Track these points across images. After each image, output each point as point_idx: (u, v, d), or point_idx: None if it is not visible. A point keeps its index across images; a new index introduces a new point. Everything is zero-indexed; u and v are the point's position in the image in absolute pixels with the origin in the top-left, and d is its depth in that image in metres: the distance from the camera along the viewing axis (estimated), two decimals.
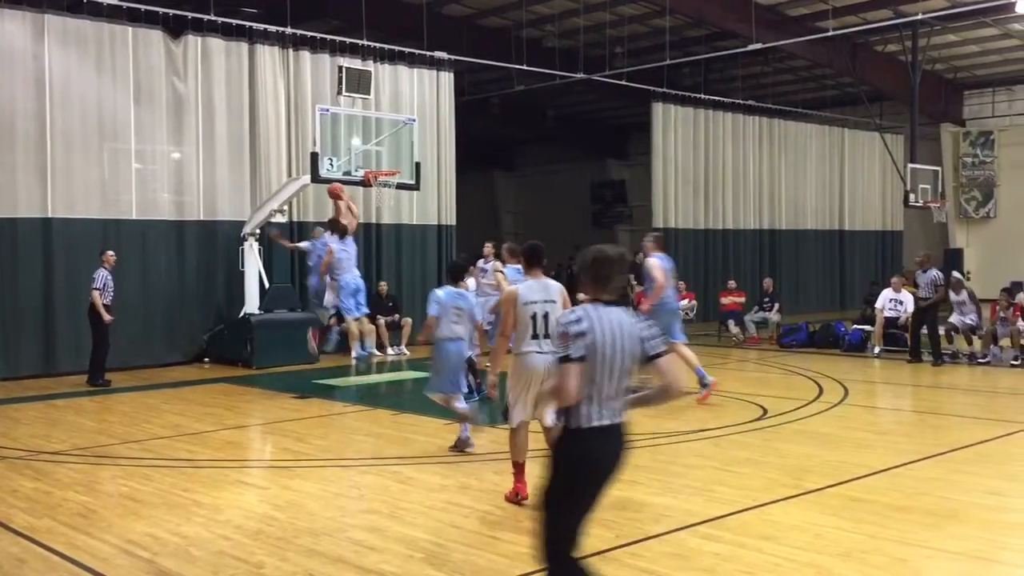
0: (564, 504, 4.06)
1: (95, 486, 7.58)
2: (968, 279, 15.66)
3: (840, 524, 6.24)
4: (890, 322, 15.96)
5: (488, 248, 14.28)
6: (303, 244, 15.05)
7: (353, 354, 13.60)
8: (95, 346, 12.93)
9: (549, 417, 6.41)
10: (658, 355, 4.16)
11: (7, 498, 7.03)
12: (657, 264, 11.31)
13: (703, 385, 11.24)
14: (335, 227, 13.48)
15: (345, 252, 13.29)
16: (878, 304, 16.34)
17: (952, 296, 15.15)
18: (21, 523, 6.37)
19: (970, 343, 15.42)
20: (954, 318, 15.25)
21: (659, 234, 12.05)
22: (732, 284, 19.49)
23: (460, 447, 8.63)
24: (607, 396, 4.04)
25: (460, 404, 8.60)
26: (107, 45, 14.38)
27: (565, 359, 3.98)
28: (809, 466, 7.93)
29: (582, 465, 4.05)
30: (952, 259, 25.09)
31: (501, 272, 12.25)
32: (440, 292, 8.52)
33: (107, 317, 12.69)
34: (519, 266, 11.63)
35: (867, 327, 16.84)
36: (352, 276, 13.27)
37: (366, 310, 13.64)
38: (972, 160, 28.11)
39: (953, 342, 15.30)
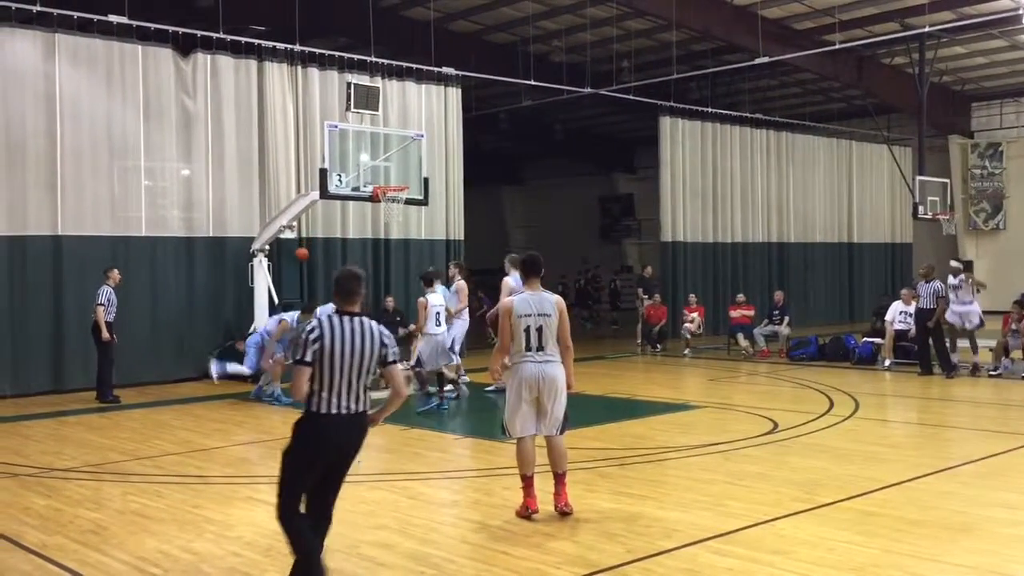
0: (293, 470, 5.01)
1: (106, 503, 7.59)
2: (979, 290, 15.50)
3: (852, 539, 6.20)
4: (900, 335, 15.89)
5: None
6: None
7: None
8: (100, 363, 12.98)
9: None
10: (392, 362, 5.12)
11: (19, 515, 7.04)
12: (508, 282, 12.10)
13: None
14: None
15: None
16: (888, 317, 16.27)
17: (949, 279, 15.05)
18: (33, 540, 6.38)
19: (975, 349, 15.24)
20: (950, 314, 14.98)
21: (515, 255, 12.42)
22: (741, 298, 19.44)
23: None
24: (340, 390, 4.94)
25: None
26: (117, 63, 14.49)
27: (298, 362, 4.93)
28: (820, 480, 7.89)
29: (311, 441, 4.97)
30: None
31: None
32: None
33: (106, 335, 12.68)
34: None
35: (877, 340, 16.78)
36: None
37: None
38: (981, 172, 28.07)
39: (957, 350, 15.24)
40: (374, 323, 5.14)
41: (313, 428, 4.98)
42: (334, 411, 4.95)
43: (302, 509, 5.06)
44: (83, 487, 8.05)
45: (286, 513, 5.00)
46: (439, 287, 12.72)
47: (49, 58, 13.86)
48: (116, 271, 13.08)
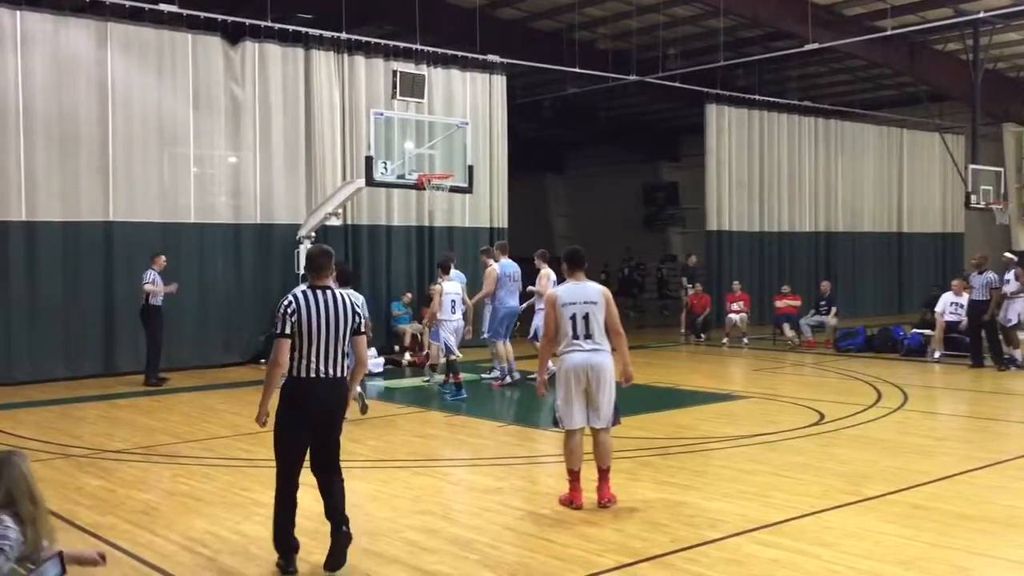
0: (284, 433, 5.51)
1: (157, 484, 7.75)
2: None
3: (900, 532, 6.13)
4: (951, 326, 15.60)
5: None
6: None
7: None
8: (149, 345, 13.25)
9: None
10: (359, 332, 5.61)
11: (72, 495, 7.20)
12: (495, 269, 13.23)
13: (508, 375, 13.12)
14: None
15: None
16: (938, 308, 15.98)
17: (1005, 274, 14.73)
18: (86, 520, 6.52)
19: (1015, 344, 14.94)
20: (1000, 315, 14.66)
21: (503, 242, 14.17)
22: (786, 288, 19.24)
23: None
24: (318, 356, 5.42)
25: None
26: (167, 52, 14.68)
27: (279, 335, 5.36)
28: (868, 472, 7.80)
29: (294, 402, 5.48)
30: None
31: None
32: None
33: (170, 288, 13.18)
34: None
35: (927, 331, 16.51)
36: None
37: None
38: None
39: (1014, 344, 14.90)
40: (347, 295, 5.65)
41: (295, 391, 5.47)
42: (313, 375, 5.45)
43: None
44: (134, 468, 8.22)
45: (281, 479, 5.51)
46: (456, 274, 12.85)
47: (101, 47, 14.08)
48: (162, 257, 13.35)
